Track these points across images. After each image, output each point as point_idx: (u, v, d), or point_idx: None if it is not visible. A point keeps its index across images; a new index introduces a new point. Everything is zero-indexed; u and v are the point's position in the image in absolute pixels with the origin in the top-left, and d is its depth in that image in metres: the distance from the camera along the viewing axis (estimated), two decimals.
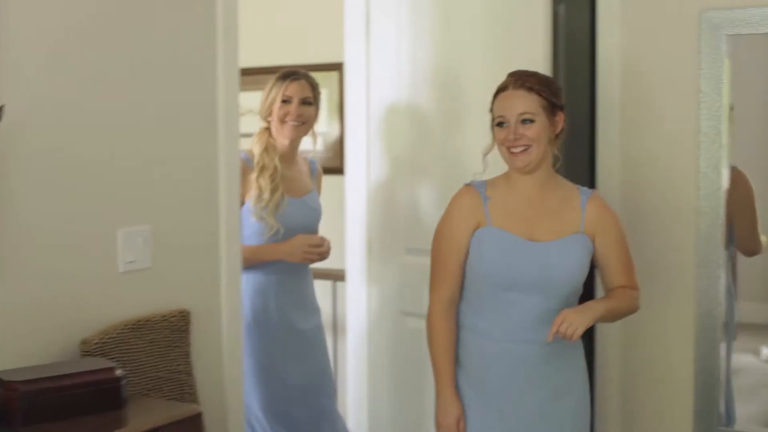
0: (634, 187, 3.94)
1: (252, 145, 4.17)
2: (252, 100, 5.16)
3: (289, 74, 4.23)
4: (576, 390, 3.29)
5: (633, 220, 3.88)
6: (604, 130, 3.98)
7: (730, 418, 3.81)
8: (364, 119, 4.53)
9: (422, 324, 3.35)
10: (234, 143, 3.64)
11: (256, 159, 4.13)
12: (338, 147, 5.90)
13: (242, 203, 3.97)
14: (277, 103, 4.19)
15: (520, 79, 3.16)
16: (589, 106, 4.27)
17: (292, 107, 4.18)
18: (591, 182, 4.11)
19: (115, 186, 3.23)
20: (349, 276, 4.69)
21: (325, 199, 4.49)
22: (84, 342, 3.08)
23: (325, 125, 5.98)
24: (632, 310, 3.31)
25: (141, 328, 3.24)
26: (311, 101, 4.22)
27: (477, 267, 3.20)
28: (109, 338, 3.13)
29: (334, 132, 6.02)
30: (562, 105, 3.21)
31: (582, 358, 3.32)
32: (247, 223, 4.05)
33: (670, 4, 3.78)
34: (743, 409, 3.51)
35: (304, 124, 4.22)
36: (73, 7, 3.07)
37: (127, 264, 3.29)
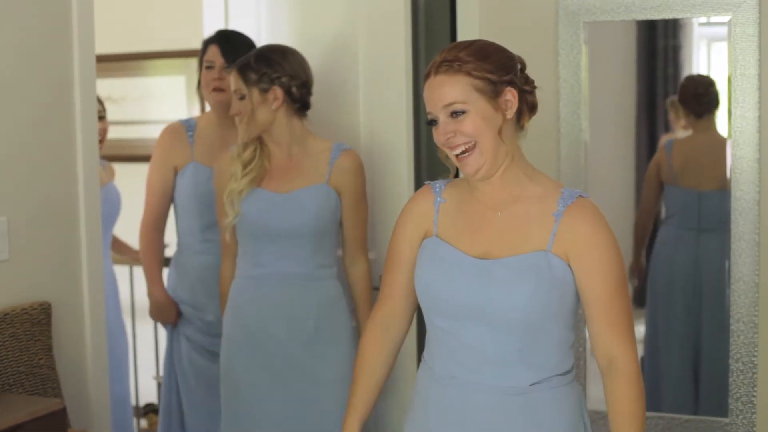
0: None
1: None
2: (109, 87, 5.09)
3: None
4: None
5: None
6: None
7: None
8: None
9: None
10: (92, 131, 3.57)
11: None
12: None
13: None
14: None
15: (445, 61, 2.39)
16: None
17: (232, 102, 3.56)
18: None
19: None
20: None
21: None
22: None
23: (185, 112, 5.93)
24: (642, 405, 2.41)
25: (0, 322, 3.15)
26: (244, 94, 3.50)
27: (415, 286, 2.53)
28: None
29: None
30: (509, 79, 2.40)
31: (572, 413, 2.47)
32: None
33: None
34: (597, 390, 3.57)
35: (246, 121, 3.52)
36: None
37: None
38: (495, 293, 2.37)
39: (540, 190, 2.45)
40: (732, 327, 3.52)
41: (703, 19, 3.71)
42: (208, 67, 3.90)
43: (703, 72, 3.85)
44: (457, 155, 2.40)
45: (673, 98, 3.82)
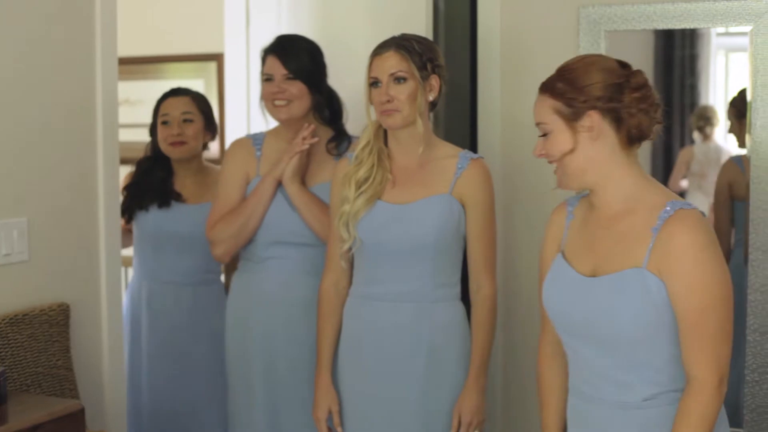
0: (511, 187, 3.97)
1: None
2: (127, 90, 5.10)
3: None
4: None
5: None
6: (485, 129, 3.99)
7: None
8: (244, 109, 4.50)
9: None
10: (113, 133, 3.57)
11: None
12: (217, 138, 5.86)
13: None
14: None
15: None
16: (470, 100, 4.30)
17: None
18: None
19: None
20: None
21: None
22: None
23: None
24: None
25: (19, 323, 3.16)
26: (405, 77, 3.17)
27: None
28: None
29: None
30: (591, 104, 2.42)
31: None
32: None
33: None
34: None
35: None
36: None
37: (3, 257, 3.22)
38: (594, 311, 2.39)
39: (648, 203, 2.41)
40: (748, 338, 3.51)
41: (721, 29, 3.71)
42: (267, 80, 3.54)
43: (720, 82, 3.85)
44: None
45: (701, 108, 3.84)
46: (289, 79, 3.48)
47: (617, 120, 2.39)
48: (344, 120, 3.64)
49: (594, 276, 2.42)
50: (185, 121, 4.06)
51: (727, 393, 3.57)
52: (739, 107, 3.67)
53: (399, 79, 3.11)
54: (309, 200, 3.45)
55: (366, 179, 3.16)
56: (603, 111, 2.38)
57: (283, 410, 3.52)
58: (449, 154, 3.21)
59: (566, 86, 2.39)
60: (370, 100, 3.18)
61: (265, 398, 3.52)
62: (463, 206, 3.16)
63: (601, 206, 2.46)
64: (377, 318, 3.17)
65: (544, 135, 2.43)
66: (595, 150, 2.40)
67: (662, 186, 2.48)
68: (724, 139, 3.88)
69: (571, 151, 2.40)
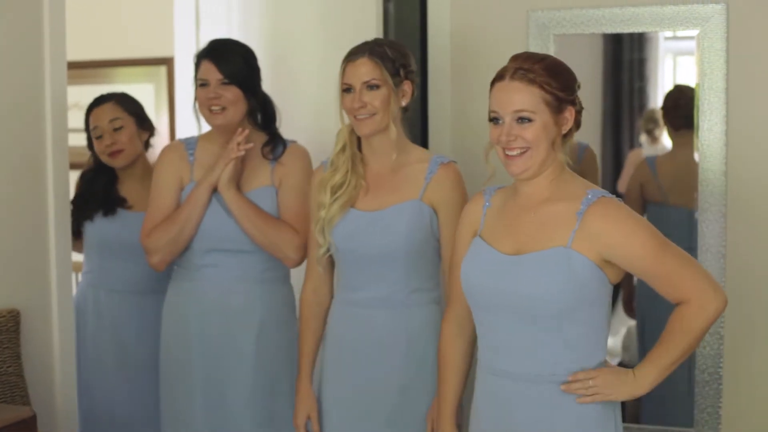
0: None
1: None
2: (77, 94, 5.06)
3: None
4: None
5: None
6: (435, 131, 4.01)
7: None
8: (195, 114, 4.48)
9: None
10: (62, 138, 3.56)
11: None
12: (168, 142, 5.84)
13: None
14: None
15: (521, 68, 2.59)
16: (420, 102, 4.32)
17: None
18: None
19: None
20: None
21: None
22: None
23: (153, 121, 5.90)
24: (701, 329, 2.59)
25: None
26: (378, 84, 3.16)
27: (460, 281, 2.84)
28: None
29: (163, 128, 5.94)
30: (572, 99, 2.62)
31: (600, 405, 2.62)
32: None
33: (498, 4, 3.85)
34: None
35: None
36: None
37: None
38: (519, 286, 2.56)
39: (570, 192, 2.61)
40: None
41: (669, 33, 3.76)
42: (202, 85, 3.47)
43: (669, 85, 3.89)
44: (507, 154, 2.59)
45: (650, 111, 3.87)
46: (224, 84, 3.44)
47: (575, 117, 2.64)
48: (278, 124, 3.61)
49: (514, 255, 2.59)
50: (115, 129, 3.99)
51: (679, 392, 3.66)
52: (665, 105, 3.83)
53: (372, 87, 3.13)
54: (245, 206, 3.43)
55: (341, 185, 3.17)
56: (575, 107, 2.62)
57: (224, 419, 3.50)
58: (421, 158, 3.21)
59: (556, 81, 2.57)
60: (343, 106, 3.18)
61: (205, 405, 3.50)
62: (435, 211, 3.16)
63: (527, 194, 2.65)
64: (356, 324, 3.20)
65: (520, 121, 2.55)
66: (558, 143, 2.62)
67: (582, 178, 2.69)
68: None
69: (549, 140, 2.57)
